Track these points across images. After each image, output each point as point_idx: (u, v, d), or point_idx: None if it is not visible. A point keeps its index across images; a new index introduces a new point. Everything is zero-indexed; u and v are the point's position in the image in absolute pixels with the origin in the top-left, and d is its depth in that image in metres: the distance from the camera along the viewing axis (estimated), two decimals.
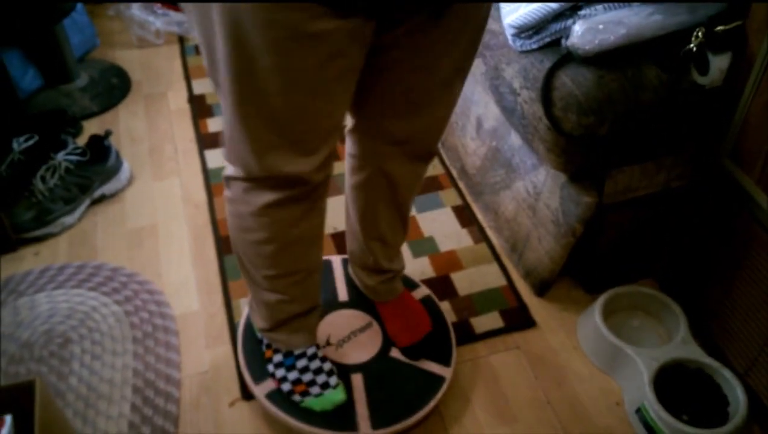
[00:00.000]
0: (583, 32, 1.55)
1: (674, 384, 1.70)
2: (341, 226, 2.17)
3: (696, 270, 1.86)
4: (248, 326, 1.79)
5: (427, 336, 1.78)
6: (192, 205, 2.26)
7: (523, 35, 1.70)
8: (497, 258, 2.10)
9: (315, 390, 1.65)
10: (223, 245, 2.11)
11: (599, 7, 1.57)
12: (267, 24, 1.06)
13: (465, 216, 2.24)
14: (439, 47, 1.28)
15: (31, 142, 2.19)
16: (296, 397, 1.65)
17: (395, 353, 1.77)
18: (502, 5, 1.75)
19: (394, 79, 1.33)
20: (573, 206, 1.74)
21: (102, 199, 2.27)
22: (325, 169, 1.34)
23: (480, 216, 2.23)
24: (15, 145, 2.18)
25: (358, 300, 1.88)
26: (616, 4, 1.58)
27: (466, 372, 1.81)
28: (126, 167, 2.33)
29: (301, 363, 1.67)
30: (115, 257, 2.09)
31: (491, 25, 1.86)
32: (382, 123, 1.45)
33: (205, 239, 2.15)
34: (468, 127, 2.21)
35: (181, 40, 3.00)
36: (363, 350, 1.79)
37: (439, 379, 1.71)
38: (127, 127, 2.57)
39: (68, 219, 2.17)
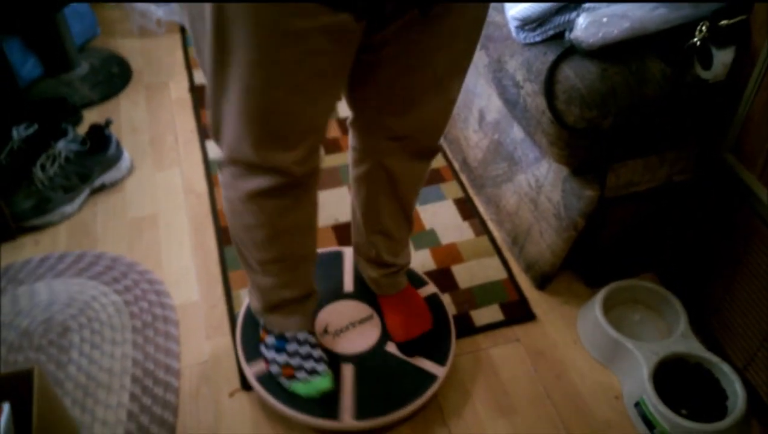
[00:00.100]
0: (587, 25, 1.55)
1: (673, 379, 1.70)
2: (342, 218, 2.17)
3: (697, 264, 1.86)
4: (250, 307, 1.80)
5: (426, 333, 1.78)
6: (193, 195, 2.25)
7: (526, 27, 1.69)
8: (498, 251, 2.10)
9: (302, 375, 1.65)
10: (223, 235, 2.10)
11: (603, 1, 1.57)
12: (247, 18, 1.08)
13: (466, 209, 2.23)
14: (432, 45, 1.27)
15: (31, 131, 2.18)
16: (283, 380, 1.66)
17: (391, 348, 1.77)
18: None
19: (389, 77, 1.33)
20: (575, 200, 1.73)
21: (102, 188, 2.26)
22: (307, 163, 1.35)
23: (481, 209, 2.23)
24: (15, 134, 2.18)
25: (363, 292, 1.88)
26: None
27: (465, 365, 1.81)
28: (126, 157, 2.32)
29: (292, 347, 1.67)
30: (115, 246, 2.09)
31: (494, 17, 1.85)
32: (379, 119, 1.45)
33: (206, 229, 2.14)
34: (470, 119, 2.20)
35: (183, 29, 2.99)
36: (359, 341, 1.78)
37: (431, 378, 1.71)
38: (127, 116, 2.56)
39: (68, 208, 2.17)
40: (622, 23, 1.54)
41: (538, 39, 1.69)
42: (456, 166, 2.37)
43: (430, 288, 1.92)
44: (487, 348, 1.85)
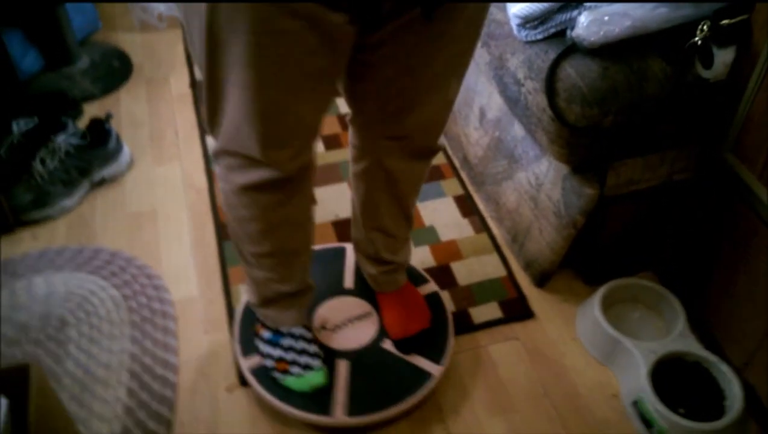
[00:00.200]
0: (589, 24, 1.55)
1: (671, 377, 1.70)
2: (343, 214, 2.17)
3: (696, 264, 1.86)
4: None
5: (423, 331, 1.77)
6: (192, 190, 2.25)
7: (528, 25, 1.69)
8: (498, 248, 2.10)
9: (296, 370, 1.65)
10: (222, 231, 2.10)
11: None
12: (239, 16, 1.08)
13: (466, 206, 2.23)
14: (431, 46, 1.27)
15: (31, 125, 2.18)
16: (277, 375, 1.67)
17: (388, 345, 1.77)
18: None
19: (387, 77, 1.33)
20: (575, 198, 1.73)
21: (102, 182, 2.26)
22: (300, 159, 1.35)
23: (481, 206, 2.23)
24: (15, 127, 2.17)
25: (363, 289, 1.88)
26: None
27: (464, 363, 1.81)
28: (126, 151, 2.32)
29: (287, 341, 1.68)
30: (114, 241, 2.09)
31: (496, 14, 1.85)
32: (377, 118, 1.44)
33: (205, 225, 2.14)
34: (471, 116, 2.20)
35: None
36: (355, 338, 1.78)
37: (426, 376, 1.70)
38: (128, 110, 2.56)
39: (67, 202, 2.17)
40: (623, 22, 1.54)
41: (539, 37, 1.69)
42: (456, 163, 2.37)
43: (431, 286, 1.92)
44: (486, 346, 1.85)
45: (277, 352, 1.67)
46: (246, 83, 1.16)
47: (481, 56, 1.90)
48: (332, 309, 1.84)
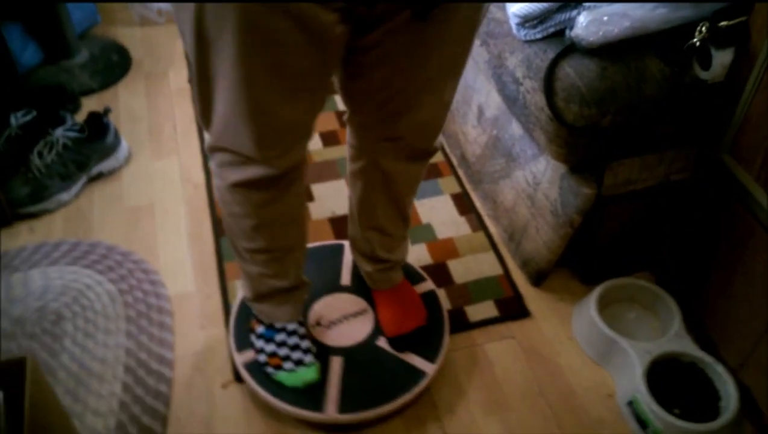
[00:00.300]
0: (588, 23, 1.55)
1: (667, 378, 1.70)
2: (339, 211, 2.17)
3: (692, 264, 1.86)
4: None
5: (418, 329, 1.77)
6: (190, 185, 2.25)
7: (527, 24, 1.69)
8: (494, 247, 2.10)
9: (288, 365, 1.66)
10: (219, 226, 2.10)
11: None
12: (227, 15, 1.08)
13: (464, 204, 2.23)
14: (425, 48, 1.26)
15: (29, 118, 2.18)
16: (269, 370, 1.67)
17: (382, 343, 1.77)
18: None
19: (381, 78, 1.32)
20: (572, 197, 1.73)
21: (99, 176, 2.26)
22: (290, 158, 1.35)
23: (479, 204, 2.23)
24: (13, 120, 2.17)
25: (360, 286, 1.88)
26: None
27: (460, 361, 1.81)
28: (124, 145, 2.32)
29: (280, 337, 1.68)
30: (111, 235, 2.09)
31: (496, 13, 1.85)
32: (374, 119, 1.44)
33: (202, 220, 2.14)
34: (469, 114, 2.20)
35: None
36: (350, 335, 1.79)
37: (420, 374, 1.70)
38: (126, 105, 2.56)
39: (64, 196, 2.16)
40: (622, 22, 1.54)
41: (538, 36, 1.68)
42: (454, 161, 2.37)
43: (428, 285, 1.92)
44: (482, 344, 1.85)
45: (270, 347, 1.68)
46: (235, 82, 1.16)
47: (480, 54, 1.90)
48: (328, 306, 1.84)
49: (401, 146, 1.48)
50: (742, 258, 1.67)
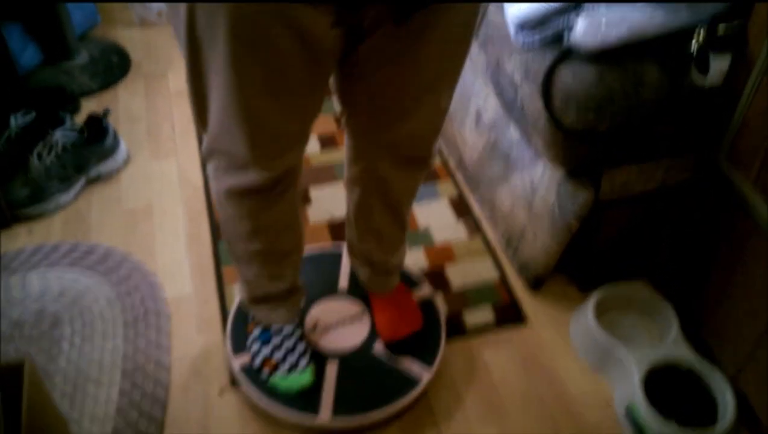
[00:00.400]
0: (586, 29, 1.54)
1: (664, 385, 1.70)
2: (337, 214, 2.16)
3: (690, 270, 1.85)
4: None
5: (413, 334, 1.77)
6: (189, 187, 2.25)
7: (525, 29, 1.69)
8: (492, 251, 2.10)
9: (283, 369, 1.66)
10: (217, 229, 2.10)
11: (602, 4, 1.56)
12: (219, 20, 1.07)
13: (461, 208, 2.23)
14: (419, 56, 1.25)
15: (28, 119, 2.18)
16: (265, 373, 1.68)
17: (378, 347, 1.77)
18: None
19: (376, 85, 1.32)
20: (569, 202, 1.73)
21: (98, 178, 2.26)
22: (284, 164, 1.35)
23: (476, 208, 2.22)
24: (13, 121, 2.17)
25: (357, 290, 1.88)
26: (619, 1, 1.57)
27: (457, 366, 1.81)
28: (123, 147, 2.32)
29: (276, 340, 1.69)
30: (110, 237, 2.09)
31: (494, 17, 1.85)
32: (369, 125, 1.44)
33: (201, 222, 2.14)
34: (467, 118, 2.20)
35: None
36: (346, 339, 1.79)
37: (414, 380, 1.70)
38: (125, 106, 2.56)
39: (63, 198, 2.17)
40: (620, 27, 1.53)
41: (537, 41, 1.68)
42: (451, 164, 2.37)
43: (425, 290, 1.91)
44: (479, 350, 1.85)
45: (265, 350, 1.68)
46: (227, 86, 1.16)
47: (478, 58, 1.90)
48: (325, 310, 1.84)
49: (397, 153, 1.47)
50: (740, 264, 1.67)
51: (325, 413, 1.63)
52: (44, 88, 2.52)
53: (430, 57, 1.26)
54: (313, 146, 2.40)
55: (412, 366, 1.73)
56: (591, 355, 1.82)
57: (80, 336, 1.80)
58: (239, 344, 1.74)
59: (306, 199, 2.22)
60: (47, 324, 1.82)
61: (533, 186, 1.86)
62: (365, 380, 1.70)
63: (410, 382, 1.70)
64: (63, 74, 2.61)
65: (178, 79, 2.67)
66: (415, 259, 2.05)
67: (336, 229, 2.13)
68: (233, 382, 1.74)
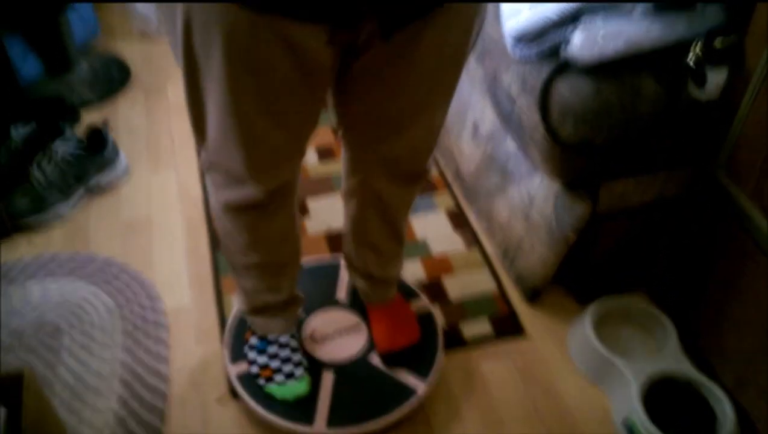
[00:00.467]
0: (583, 42, 1.55)
1: (663, 398, 1.70)
2: (335, 225, 2.17)
3: (688, 282, 1.86)
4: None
5: (410, 346, 1.77)
6: (187, 198, 2.26)
7: (522, 42, 1.70)
8: (489, 263, 2.10)
9: (279, 377, 1.67)
10: (216, 241, 2.11)
11: (599, 17, 1.57)
12: (208, 39, 1.08)
13: (458, 219, 2.24)
14: (407, 75, 1.26)
15: (29, 130, 2.19)
16: (261, 381, 1.68)
17: (374, 358, 1.77)
18: (504, 11, 1.74)
19: (370, 102, 1.32)
20: (566, 214, 1.74)
21: (97, 189, 2.27)
22: (278, 177, 1.36)
23: (473, 220, 2.23)
24: (13, 132, 2.18)
25: (355, 301, 1.88)
26: (616, 14, 1.58)
27: (454, 378, 1.81)
28: (122, 158, 2.33)
29: (272, 349, 1.70)
30: (109, 248, 2.09)
31: (491, 31, 1.85)
32: (364, 140, 1.45)
33: (199, 234, 2.15)
34: (464, 130, 2.21)
35: None
36: (343, 350, 1.79)
37: (410, 392, 1.70)
38: (125, 118, 2.57)
39: (63, 208, 2.17)
40: (617, 41, 1.54)
41: (533, 54, 1.69)
42: (449, 176, 2.38)
43: (423, 301, 1.92)
44: (477, 362, 1.85)
45: (262, 359, 1.69)
46: (223, 106, 1.17)
47: (475, 71, 1.91)
48: (323, 320, 1.84)
49: (392, 168, 1.48)
50: (738, 277, 1.67)
51: (320, 423, 1.63)
52: (44, 99, 2.53)
53: (423, 76, 1.27)
54: (310, 158, 2.41)
55: (408, 377, 1.73)
56: (589, 367, 1.82)
57: (79, 346, 1.80)
58: (237, 352, 1.75)
59: (304, 211, 2.22)
60: (47, 333, 1.82)
61: (530, 198, 1.87)
62: (361, 390, 1.71)
63: (406, 393, 1.70)
64: (63, 86, 2.62)
65: (177, 91, 2.68)
66: (412, 271, 2.06)
67: (333, 240, 2.13)
68: (233, 393, 1.74)
